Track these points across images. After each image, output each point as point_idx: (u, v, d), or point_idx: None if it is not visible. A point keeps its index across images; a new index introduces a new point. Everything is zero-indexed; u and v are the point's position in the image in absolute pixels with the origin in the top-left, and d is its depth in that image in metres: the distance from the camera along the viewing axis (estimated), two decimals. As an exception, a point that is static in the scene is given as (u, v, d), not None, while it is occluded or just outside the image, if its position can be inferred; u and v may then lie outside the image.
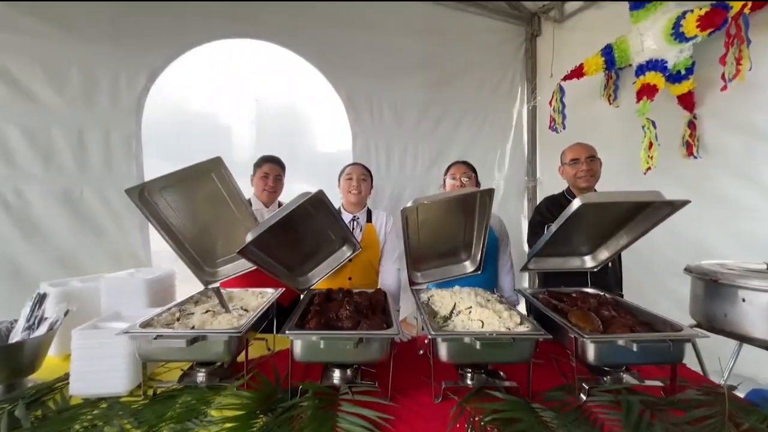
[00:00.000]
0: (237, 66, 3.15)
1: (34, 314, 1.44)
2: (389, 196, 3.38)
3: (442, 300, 1.64)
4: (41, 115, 2.28)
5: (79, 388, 1.28)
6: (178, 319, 1.40)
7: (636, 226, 1.61)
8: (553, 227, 1.51)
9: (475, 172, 2.11)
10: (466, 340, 1.22)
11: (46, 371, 1.43)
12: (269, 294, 1.77)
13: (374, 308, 1.59)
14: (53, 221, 2.33)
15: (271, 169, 2.17)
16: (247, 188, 2.26)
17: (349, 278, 2.04)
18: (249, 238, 1.38)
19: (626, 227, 1.65)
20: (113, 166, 2.48)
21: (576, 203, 1.38)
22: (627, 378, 1.37)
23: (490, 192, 1.62)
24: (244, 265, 1.86)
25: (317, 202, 1.52)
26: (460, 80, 3.67)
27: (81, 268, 2.37)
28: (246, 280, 1.89)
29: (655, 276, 2.78)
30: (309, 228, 1.71)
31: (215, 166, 1.52)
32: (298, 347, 1.24)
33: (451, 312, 1.52)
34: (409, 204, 1.53)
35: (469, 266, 1.93)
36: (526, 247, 3.14)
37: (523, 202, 4.13)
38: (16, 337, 1.39)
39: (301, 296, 1.79)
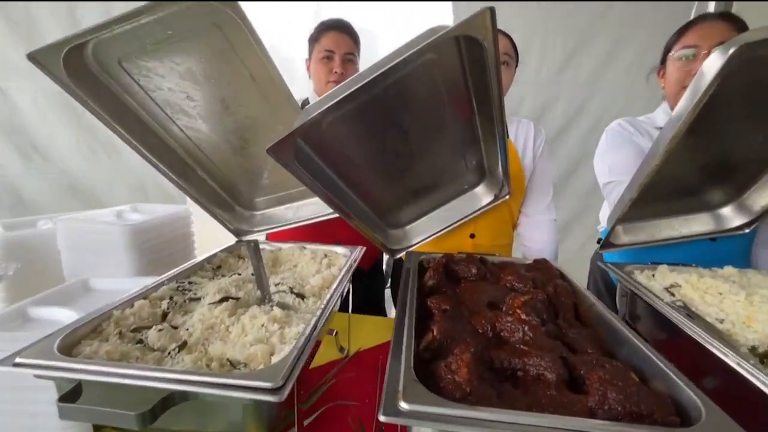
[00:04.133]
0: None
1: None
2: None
3: (719, 302, 0.73)
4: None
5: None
6: (164, 316, 0.68)
7: None
8: None
9: None
10: None
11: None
12: (341, 257, 1.00)
13: (559, 310, 0.75)
14: (54, 135, 1.73)
15: (337, 42, 1.25)
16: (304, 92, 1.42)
17: (471, 235, 1.18)
18: (298, 123, 0.58)
19: None
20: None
21: None
22: None
23: None
24: (307, 211, 1.12)
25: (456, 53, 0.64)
26: None
27: (97, 200, 1.80)
28: (305, 229, 1.15)
29: None
30: (422, 134, 0.85)
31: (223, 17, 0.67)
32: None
33: (779, 342, 0.62)
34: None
35: (730, 217, 0.97)
36: None
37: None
38: None
39: (384, 261, 1.01)
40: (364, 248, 1.06)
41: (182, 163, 0.97)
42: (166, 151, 0.91)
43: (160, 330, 0.62)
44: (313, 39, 1.29)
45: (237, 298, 0.73)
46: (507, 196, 1.05)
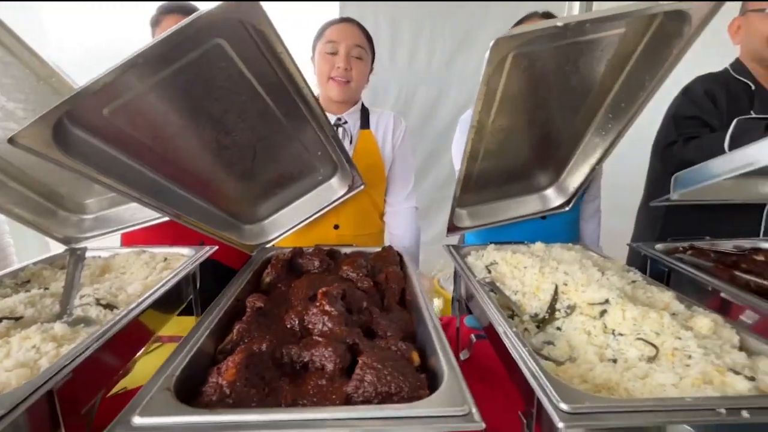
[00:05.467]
0: None
1: None
2: (395, 97, 2.38)
3: (522, 275, 0.81)
4: None
5: None
6: None
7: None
8: None
9: None
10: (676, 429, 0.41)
11: None
12: (184, 258, 0.94)
13: (385, 296, 0.78)
14: None
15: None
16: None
17: (336, 226, 1.19)
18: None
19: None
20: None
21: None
22: None
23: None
24: (148, 210, 1.01)
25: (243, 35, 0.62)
26: None
27: None
28: (166, 230, 1.06)
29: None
30: (249, 126, 0.82)
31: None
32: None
33: (552, 309, 0.70)
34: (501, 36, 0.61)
35: (553, 198, 1.09)
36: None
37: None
38: None
39: (253, 258, 0.97)
40: (216, 247, 1.01)
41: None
42: None
43: None
44: (154, 23, 1.17)
45: (17, 318, 0.64)
46: (361, 187, 1.06)
